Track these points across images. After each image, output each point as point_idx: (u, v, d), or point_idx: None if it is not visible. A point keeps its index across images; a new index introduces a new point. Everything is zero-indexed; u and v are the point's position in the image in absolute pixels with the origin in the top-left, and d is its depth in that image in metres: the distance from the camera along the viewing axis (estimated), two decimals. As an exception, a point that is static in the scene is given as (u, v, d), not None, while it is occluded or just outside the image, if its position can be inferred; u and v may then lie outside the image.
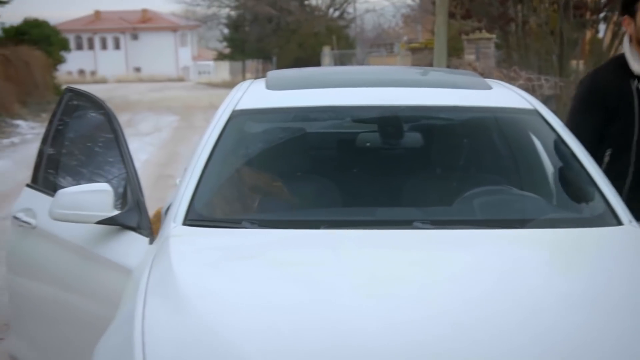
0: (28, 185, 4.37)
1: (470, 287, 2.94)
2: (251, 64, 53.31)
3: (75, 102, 4.45)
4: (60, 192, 3.79)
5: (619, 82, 4.17)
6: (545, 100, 11.38)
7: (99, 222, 3.70)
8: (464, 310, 2.72)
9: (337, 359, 2.47)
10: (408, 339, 2.57)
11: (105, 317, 3.27)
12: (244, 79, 47.96)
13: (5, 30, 30.48)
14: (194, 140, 16.40)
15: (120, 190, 3.95)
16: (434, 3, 15.35)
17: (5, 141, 17.86)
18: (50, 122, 4.38)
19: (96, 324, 3.37)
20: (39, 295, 4.17)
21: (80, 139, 4.49)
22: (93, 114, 4.33)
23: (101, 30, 74.32)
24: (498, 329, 2.63)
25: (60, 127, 4.39)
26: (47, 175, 4.38)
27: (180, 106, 27.54)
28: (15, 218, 4.22)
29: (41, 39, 30.25)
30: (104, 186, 3.77)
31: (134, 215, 3.73)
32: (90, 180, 4.17)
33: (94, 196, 3.69)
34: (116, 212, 3.72)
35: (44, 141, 4.44)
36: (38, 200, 4.06)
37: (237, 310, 2.78)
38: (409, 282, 2.95)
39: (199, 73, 67.25)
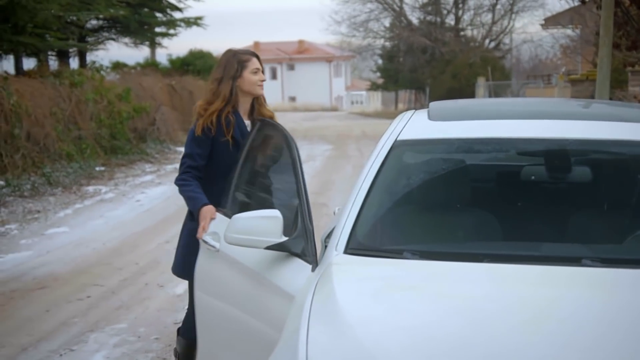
0: (217, 210, 4.53)
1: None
2: (404, 94, 53.44)
3: (264, 132, 4.88)
4: (235, 217, 3.91)
5: None
6: None
7: (268, 248, 3.79)
8: (632, 355, 2.62)
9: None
10: None
11: (272, 340, 3.32)
12: (396, 109, 48.33)
13: (172, 62, 31.74)
14: (347, 169, 16.68)
15: (290, 216, 4.02)
16: (597, 34, 14.95)
17: (169, 167, 18.46)
18: (241, 149, 4.75)
19: (267, 346, 3.41)
20: (221, 314, 4.29)
21: (263, 166, 4.93)
22: (277, 142, 4.83)
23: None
24: None
25: (249, 154, 4.77)
26: (233, 200, 4.62)
27: (334, 135, 27.80)
28: (204, 241, 4.40)
29: (204, 69, 31.25)
30: (274, 212, 3.85)
31: (300, 242, 3.78)
32: (267, 206, 4.35)
33: (265, 222, 3.79)
34: (284, 239, 3.79)
35: (235, 167, 4.74)
36: (223, 224, 4.17)
37: (398, 340, 2.77)
38: (577, 322, 2.86)
39: (352, 103, 68.01)
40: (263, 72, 4.85)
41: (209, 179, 4.76)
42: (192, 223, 4.69)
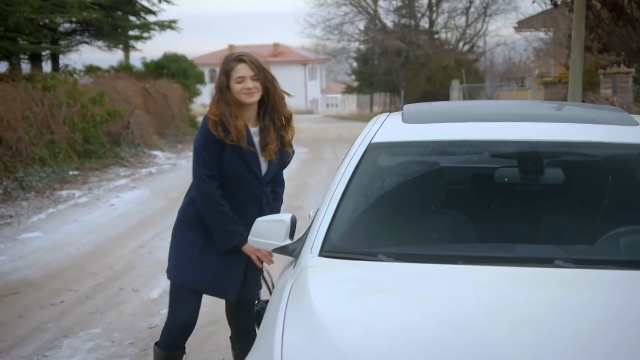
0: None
1: (616, 332, 2.84)
2: (378, 97, 53.50)
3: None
4: (257, 220, 3.99)
5: None
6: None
7: (273, 250, 3.91)
8: (605, 355, 2.65)
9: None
10: None
11: None
12: (371, 111, 48.37)
13: (146, 65, 31.54)
14: (323, 172, 16.65)
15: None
16: (569, 36, 15.07)
17: (143, 171, 18.37)
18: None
19: None
20: None
21: None
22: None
23: (234, 63, 76.00)
24: None
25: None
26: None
27: (309, 138, 27.73)
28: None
29: (179, 72, 31.11)
30: (284, 217, 3.93)
31: (297, 245, 3.79)
32: None
33: (272, 225, 3.90)
34: (288, 242, 3.84)
35: None
36: None
37: (374, 342, 2.78)
38: (552, 322, 2.87)
39: (327, 105, 67.87)
40: (256, 77, 4.45)
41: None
42: (194, 236, 4.56)
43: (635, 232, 3.71)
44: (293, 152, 4.73)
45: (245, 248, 4.39)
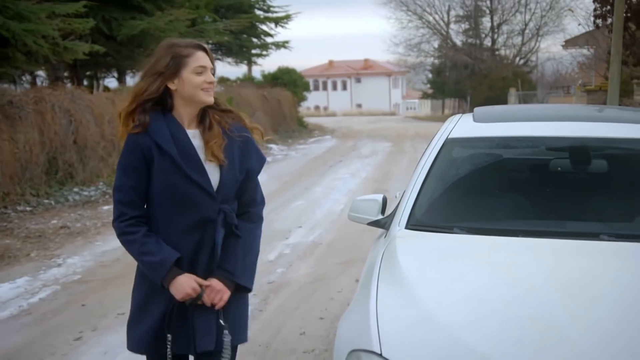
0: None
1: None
2: (449, 102, 52.84)
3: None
4: (355, 199, 4.09)
5: None
6: None
7: (368, 224, 3.92)
8: None
9: (537, 346, 2.37)
10: (599, 332, 2.45)
11: None
12: (443, 114, 47.80)
13: (264, 76, 31.97)
14: (404, 162, 16.54)
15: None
16: (609, 53, 14.60)
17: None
18: None
19: None
20: None
21: None
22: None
23: (333, 75, 76.23)
24: None
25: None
26: None
27: (393, 135, 27.63)
28: None
29: (290, 82, 31.43)
30: (378, 197, 4.02)
31: (388, 220, 3.79)
32: None
33: (367, 204, 3.97)
34: (380, 217, 3.89)
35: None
36: None
37: (451, 299, 2.75)
38: (599, 285, 2.81)
39: (407, 109, 67.52)
40: (214, 71, 2.79)
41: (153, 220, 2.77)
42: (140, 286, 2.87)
43: None
44: (264, 159, 2.99)
45: (176, 285, 2.69)
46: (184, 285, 2.69)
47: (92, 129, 13.62)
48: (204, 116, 2.78)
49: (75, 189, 12.42)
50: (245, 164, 2.80)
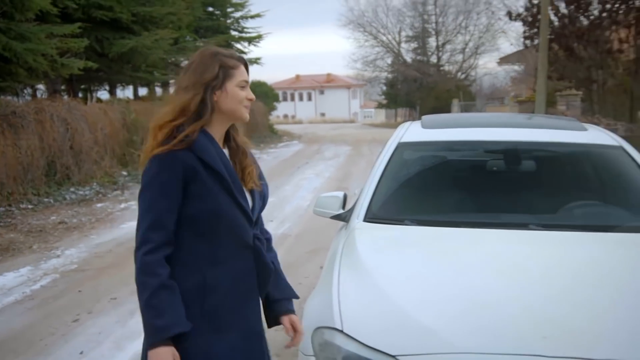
0: None
1: (573, 272, 2.83)
2: (401, 111, 53.09)
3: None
4: (319, 196, 4.07)
5: None
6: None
7: (331, 217, 3.91)
8: (570, 288, 2.64)
9: (476, 319, 2.41)
10: (525, 303, 2.50)
11: None
12: (396, 121, 47.96)
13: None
14: (362, 164, 16.56)
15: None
16: (536, 69, 14.85)
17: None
18: None
19: None
20: None
21: None
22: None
23: (299, 88, 76.10)
24: (592, 299, 2.54)
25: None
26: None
27: (352, 140, 27.65)
28: None
29: (262, 94, 31.35)
30: (339, 194, 4.03)
31: (348, 214, 3.80)
32: None
33: (331, 200, 3.97)
34: (341, 211, 3.88)
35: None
36: None
37: (402, 281, 2.78)
38: (528, 267, 2.87)
39: (364, 117, 67.61)
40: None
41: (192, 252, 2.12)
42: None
43: (584, 205, 3.66)
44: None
45: (160, 353, 1.99)
46: (165, 357, 1.99)
47: (87, 135, 13.46)
48: (227, 134, 2.26)
49: (72, 189, 12.25)
50: (264, 191, 2.31)
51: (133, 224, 7.26)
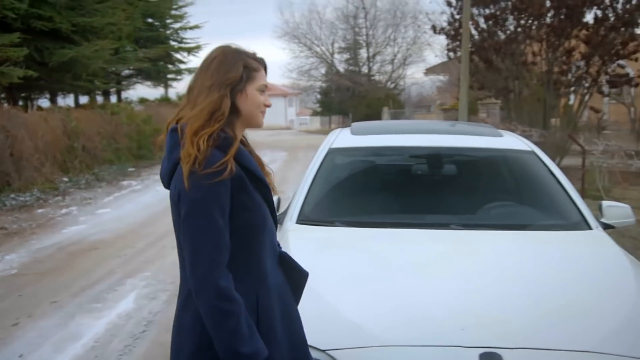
0: None
1: (490, 268, 2.90)
2: (335, 118, 53.39)
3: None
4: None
5: None
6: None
7: None
8: (487, 283, 2.70)
9: (401, 314, 2.44)
10: (445, 297, 2.55)
11: None
12: (330, 128, 48.23)
13: (179, 97, 31.15)
14: (298, 168, 16.56)
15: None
16: (459, 79, 15.21)
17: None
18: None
19: None
20: None
21: None
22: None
23: (238, 96, 75.44)
24: (506, 292, 2.60)
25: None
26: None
27: (288, 145, 27.62)
28: None
29: (201, 101, 30.91)
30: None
31: (282, 216, 3.70)
32: None
33: None
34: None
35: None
36: None
37: (333, 279, 2.78)
38: (449, 265, 2.92)
39: (300, 124, 67.60)
40: None
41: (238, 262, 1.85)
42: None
43: (500, 206, 3.75)
44: None
45: None
46: None
47: (27, 142, 12.96)
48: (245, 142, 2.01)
49: (12, 195, 11.78)
50: None
51: (74, 229, 7.04)
